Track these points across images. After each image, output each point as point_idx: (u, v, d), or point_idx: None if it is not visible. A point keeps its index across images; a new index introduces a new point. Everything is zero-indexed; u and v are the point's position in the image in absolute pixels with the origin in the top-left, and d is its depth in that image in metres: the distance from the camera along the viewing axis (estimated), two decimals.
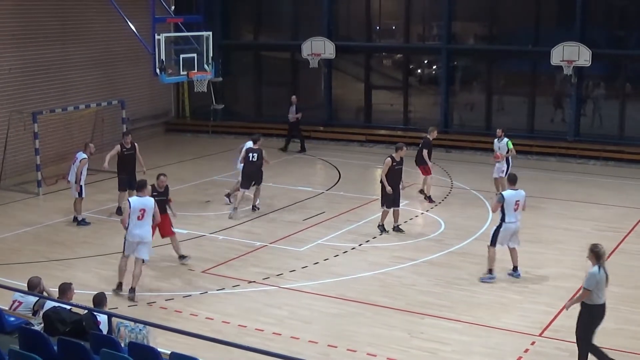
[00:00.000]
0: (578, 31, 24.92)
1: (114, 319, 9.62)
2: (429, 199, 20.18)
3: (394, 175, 17.47)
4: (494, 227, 14.86)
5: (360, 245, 16.73)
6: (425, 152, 20.28)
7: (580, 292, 11.05)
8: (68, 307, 10.13)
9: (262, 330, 12.56)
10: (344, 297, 13.99)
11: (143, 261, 14.17)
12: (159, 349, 8.58)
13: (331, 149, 26.81)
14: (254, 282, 14.71)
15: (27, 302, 11.02)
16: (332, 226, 18.15)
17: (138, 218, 13.93)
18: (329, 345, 12.04)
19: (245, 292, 14.27)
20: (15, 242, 17.18)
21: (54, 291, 11.47)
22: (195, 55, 21.47)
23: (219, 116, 30.11)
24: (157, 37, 20.20)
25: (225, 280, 14.75)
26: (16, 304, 11.11)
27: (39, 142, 21.32)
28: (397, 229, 17.64)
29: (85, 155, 18.36)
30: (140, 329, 9.47)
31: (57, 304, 10.15)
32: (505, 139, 19.90)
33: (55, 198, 20.84)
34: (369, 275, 15.03)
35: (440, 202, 20.23)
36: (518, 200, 14.67)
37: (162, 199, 15.22)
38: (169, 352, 8.48)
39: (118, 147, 18.99)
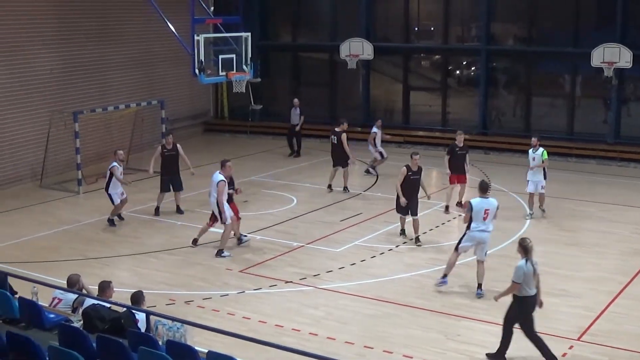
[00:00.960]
0: (619, 32, 24.63)
1: (152, 317, 9.69)
2: (446, 208, 19.18)
3: (410, 185, 16.76)
4: (462, 234, 14.34)
5: (397, 246, 16.70)
6: (446, 158, 19.44)
7: (510, 285, 11.32)
8: (107, 305, 10.25)
9: (299, 331, 12.59)
10: (380, 298, 13.97)
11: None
12: (196, 348, 8.64)
13: (368, 150, 26.76)
14: (291, 282, 14.75)
15: (66, 300, 11.15)
16: (369, 227, 18.13)
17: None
18: (365, 346, 12.03)
19: (282, 292, 14.31)
20: (55, 240, 17.40)
21: (93, 289, 11.61)
22: (234, 56, 21.55)
23: (257, 117, 30.21)
24: (196, 37, 20.31)
25: (263, 280, 14.81)
26: (56, 300, 11.25)
27: (79, 141, 21.57)
28: (416, 239, 16.81)
29: (114, 163, 18.31)
30: (178, 328, 9.53)
31: (96, 302, 10.27)
32: (541, 149, 18.75)
33: (95, 197, 21.06)
34: (406, 277, 14.99)
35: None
36: (487, 209, 13.95)
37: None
38: (206, 351, 8.53)
39: (159, 149, 19.19)
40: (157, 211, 19.05)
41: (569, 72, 26.91)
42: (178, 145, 19.25)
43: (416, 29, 29.51)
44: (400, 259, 15.96)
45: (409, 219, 17.05)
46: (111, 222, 18.40)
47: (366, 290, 14.32)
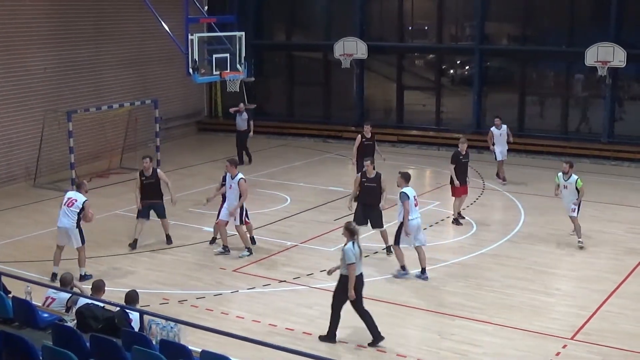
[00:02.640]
0: (613, 31, 24.67)
1: (146, 317, 9.68)
2: (455, 221, 18.28)
3: (366, 192, 15.76)
4: (398, 227, 14.75)
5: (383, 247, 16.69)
6: (452, 168, 18.28)
7: (347, 269, 11.73)
8: (101, 304, 10.23)
9: (293, 330, 12.58)
10: (374, 297, 13.94)
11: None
12: (189, 347, 8.63)
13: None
14: (285, 281, 14.74)
15: (60, 299, 11.14)
16: (362, 227, 18.07)
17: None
18: (358, 346, 12.03)
19: (276, 292, 14.30)
20: (49, 240, 17.32)
21: (86, 288, 11.60)
22: (227, 55, 21.55)
23: (251, 116, 30.17)
24: (190, 37, 20.30)
25: (256, 280, 14.80)
26: (49, 300, 11.24)
27: (73, 140, 21.53)
28: (387, 249, 16.06)
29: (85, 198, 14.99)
30: (171, 327, 9.52)
31: (90, 301, 10.25)
32: (574, 177, 16.61)
33: (88, 196, 20.98)
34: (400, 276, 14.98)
35: (472, 203, 20.12)
36: (415, 196, 14.76)
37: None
38: (200, 350, 8.52)
39: (138, 176, 16.82)
40: (134, 244, 16.54)
41: (563, 71, 26.92)
42: (158, 170, 17.00)
43: (410, 28, 29.53)
44: (394, 258, 15.92)
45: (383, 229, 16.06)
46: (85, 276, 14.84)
47: None
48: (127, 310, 9.98)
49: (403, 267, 14.94)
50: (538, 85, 27.98)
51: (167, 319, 9.80)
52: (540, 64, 27.89)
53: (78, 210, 14.58)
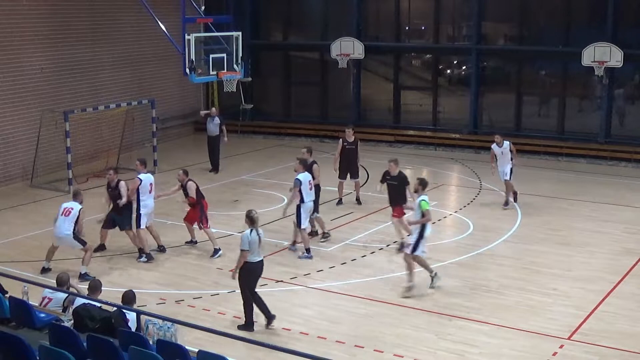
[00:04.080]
0: (609, 32, 24.69)
1: (142, 317, 9.68)
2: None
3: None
4: (295, 211, 15.92)
5: (387, 245, 16.70)
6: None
7: (240, 254, 12.31)
8: (97, 304, 10.22)
9: (289, 330, 12.58)
10: (371, 297, 13.97)
11: None
12: (186, 347, 8.62)
13: (360, 149, 26.74)
14: (282, 281, 14.74)
15: (56, 299, 11.14)
16: (359, 227, 18.14)
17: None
18: (355, 346, 12.03)
19: (273, 292, 14.29)
20: (46, 240, 17.29)
21: (83, 288, 11.59)
22: (224, 55, 21.55)
23: (247, 116, 30.21)
24: (187, 37, 20.29)
25: None
26: (46, 300, 11.24)
27: (70, 140, 21.52)
28: (322, 235, 17.15)
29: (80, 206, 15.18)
30: (168, 327, 9.52)
31: (86, 301, 10.25)
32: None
33: (85, 196, 20.87)
34: (397, 276, 14.98)
35: (469, 204, 20.14)
36: (310, 181, 16.02)
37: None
38: (197, 350, 8.51)
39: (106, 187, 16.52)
40: (102, 247, 16.51)
41: (560, 71, 26.93)
42: (121, 182, 16.15)
43: (407, 28, 29.53)
44: (391, 258, 15.96)
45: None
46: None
47: (357, 290, 14.32)
48: (124, 310, 9.97)
49: (308, 250, 16.00)
50: (535, 85, 28.00)
51: (164, 319, 9.80)
52: (537, 64, 27.90)
53: (75, 219, 14.69)
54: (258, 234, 12.34)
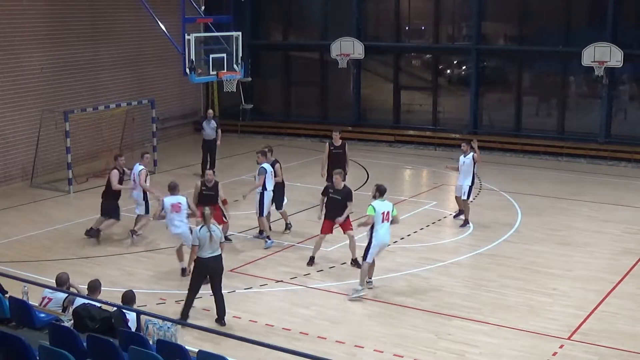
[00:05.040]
0: (609, 32, 24.68)
1: (142, 317, 9.68)
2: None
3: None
4: (258, 199, 16.68)
5: (387, 245, 16.67)
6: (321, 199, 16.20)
7: (191, 249, 12.76)
8: (97, 304, 10.22)
9: (289, 330, 12.58)
10: (371, 297, 13.96)
11: None
12: (186, 347, 8.62)
13: (359, 149, 26.75)
14: (282, 281, 14.74)
15: (56, 299, 11.14)
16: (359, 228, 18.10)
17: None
18: (355, 346, 12.03)
19: (273, 292, 14.30)
20: (46, 240, 17.35)
21: (83, 288, 11.59)
22: (224, 55, 21.55)
23: (247, 116, 30.22)
24: (187, 37, 20.29)
25: (253, 280, 14.80)
26: (46, 300, 11.23)
27: (70, 140, 21.52)
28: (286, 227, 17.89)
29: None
30: (168, 327, 9.52)
31: (86, 301, 10.24)
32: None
33: (85, 196, 21.02)
34: (397, 276, 15.00)
35: (469, 203, 20.11)
36: (272, 172, 16.69)
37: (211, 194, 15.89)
38: (197, 350, 8.51)
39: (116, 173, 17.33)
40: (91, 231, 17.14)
41: (560, 71, 26.93)
42: (112, 172, 17.28)
43: (407, 28, 29.53)
44: (391, 259, 15.95)
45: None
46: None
47: None
48: (124, 310, 9.97)
49: (269, 237, 16.70)
50: (535, 85, 28.00)
51: (164, 319, 9.80)
52: (537, 64, 27.89)
53: (186, 213, 14.91)
54: (209, 231, 12.47)
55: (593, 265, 15.66)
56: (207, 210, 12.81)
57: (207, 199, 15.48)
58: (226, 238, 15.70)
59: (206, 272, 12.78)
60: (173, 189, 14.98)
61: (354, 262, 15.35)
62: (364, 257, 13.97)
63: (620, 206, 19.96)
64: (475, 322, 12.90)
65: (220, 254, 12.74)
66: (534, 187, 21.65)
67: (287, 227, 17.88)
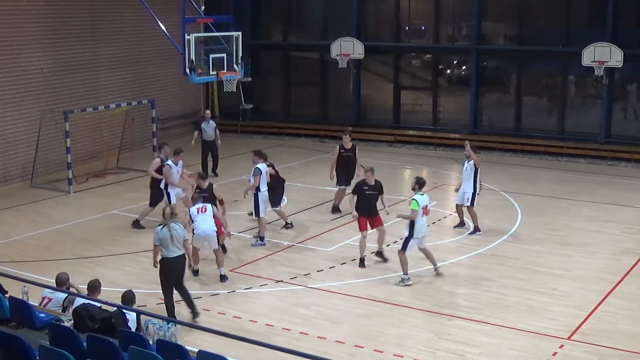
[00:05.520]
0: (609, 31, 24.67)
1: (142, 317, 9.68)
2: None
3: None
4: (253, 200, 16.73)
5: (388, 245, 16.67)
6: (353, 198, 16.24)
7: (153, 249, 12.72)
8: (97, 304, 10.23)
9: (290, 330, 12.58)
10: (371, 297, 13.97)
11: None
12: (186, 347, 8.63)
13: (359, 149, 26.69)
14: (282, 281, 14.74)
15: (56, 299, 11.14)
16: None
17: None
18: (355, 346, 12.03)
19: (273, 292, 14.30)
20: (46, 240, 17.36)
21: (83, 288, 11.59)
22: (224, 55, 21.55)
23: (247, 116, 30.22)
24: (187, 37, 20.29)
25: (253, 280, 14.80)
26: (46, 300, 11.24)
27: (70, 140, 21.52)
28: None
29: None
30: (168, 327, 9.53)
31: (86, 301, 10.25)
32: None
33: (85, 196, 21.03)
34: (397, 276, 14.98)
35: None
36: (267, 171, 16.89)
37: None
38: (197, 350, 8.52)
39: (158, 161, 18.07)
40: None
41: (560, 71, 26.92)
42: (154, 160, 18.35)
43: (407, 28, 29.52)
44: (391, 258, 15.94)
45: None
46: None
47: (357, 290, 14.33)
48: (124, 310, 9.98)
49: (262, 238, 16.79)
50: (535, 85, 27.99)
51: (163, 319, 9.81)
52: (537, 64, 27.89)
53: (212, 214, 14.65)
54: (169, 231, 12.42)
55: (593, 265, 15.66)
56: (167, 210, 12.76)
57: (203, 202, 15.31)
58: (223, 247, 15.72)
59: (172, 271, 12.64)
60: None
61: (379, 254, 15.78)
62: (403, 248, 14.45)
63: (620, 206, 19.96)
64: (475, 322, 12.90)
65: (184, 254, 12.68)
66: (534, 187, 21.65)
67: (286, 225, 17.92)
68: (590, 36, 24.67)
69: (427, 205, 14.52)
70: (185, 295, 12.85)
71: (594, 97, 26.36)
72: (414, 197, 14.42)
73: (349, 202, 16.58)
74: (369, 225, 15.66)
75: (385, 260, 15.63)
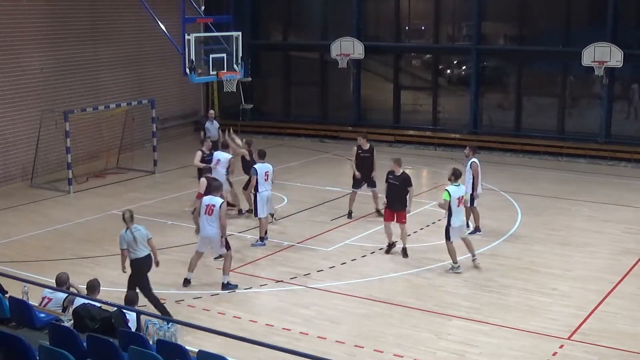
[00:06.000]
0: (609, 31, 24.67)
1: (142, 317, 9.68)
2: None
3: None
4: (253, 200, 16.93)
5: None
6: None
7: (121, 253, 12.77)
8: (97, 304, 10.23)
9: (289, 330, 12.58)
10: (371, 297, 13.97)
11: None
12: (186, 347, 8.62)
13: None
14: (282, 281, 14.74)
15: (56, 299, 11.14)
16: (359, 226, 18.13)
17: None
18: (355, 346, 12.03)
19: (273, 292, 14.30)
20: (46, 240, 17.36)
21: (83, 288, 11.58)
22: (224, 55, 21.56)
23: (247, 116, 30.21)
24: (187, 37, 20.30)
25: (253, 280, 14.80)
26: (46, 300, 11.23)
27: (70, 140, 21.52)
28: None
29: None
30: (168, 327, 9.52)
31: (86, 301, 10.25)
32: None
33: (85, 196, 21.03)
34: (397, 276, 15.00)
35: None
36: (267, 172, 16.77)
37: None
38: (197, 350, 8.51)
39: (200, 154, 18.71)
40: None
41: (560, 71, 26.91)
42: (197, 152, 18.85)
43: (407, 28, 29.52)
44: (391, 258, 15.97)
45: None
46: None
47: (357, 290, 14.32)
48: (124, 310, 9.97)
49: (262, 239, 16.82)
50: (535, 85, 27.98)
51: (163, 319, 9.80)
52: (537, 64, 27.89)
53: (219, 217, 14.07)
54: (132, 234, 12.54)
55: (593, 265, 15.66)
56: (127, 213, 12.78)
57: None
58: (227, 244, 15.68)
59: (143, 270, 12.78)
60: (215, 189, 14.50)
61: (404, 251, 16.07)
62: (447, 238, 14.97)
63: (620, 206, 19.96)
64: (475, 322, 12.90)
65: (149, 253, 12.80)
66: (534, 187, 21.64)
67: (241, 212, 18.69)
68: (590, 36, 24.66)
69: (462, 196, 15.03)
70: (155, 300, 12.88)
71: (594, 97, 26.35)
72: (447, 188, 14.95)
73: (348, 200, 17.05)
74: (395, 217, 16.06)
75: (406, 256, 15.97)
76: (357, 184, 18.85)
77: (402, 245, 16.09)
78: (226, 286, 14.30)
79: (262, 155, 17.13)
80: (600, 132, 25.49)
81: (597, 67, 24.14)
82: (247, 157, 18.78)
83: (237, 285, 14.38)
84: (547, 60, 27.33)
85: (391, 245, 16.21)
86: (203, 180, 16.45)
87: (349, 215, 18.80)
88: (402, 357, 11.66)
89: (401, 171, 16.22)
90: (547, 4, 26.97)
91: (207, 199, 14.34)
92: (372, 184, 18.87)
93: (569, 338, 12.31)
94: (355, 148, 18.96)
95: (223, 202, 14.21)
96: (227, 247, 14.38)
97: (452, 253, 15.04)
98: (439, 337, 12.35)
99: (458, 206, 14.94)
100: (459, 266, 15.04)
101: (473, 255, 15.38)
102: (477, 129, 27.41)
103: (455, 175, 15.07)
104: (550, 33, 27.04)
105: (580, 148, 25.42)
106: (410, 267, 15.45)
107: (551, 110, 27.01)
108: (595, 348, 11.88)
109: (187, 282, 14.51)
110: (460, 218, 15.11)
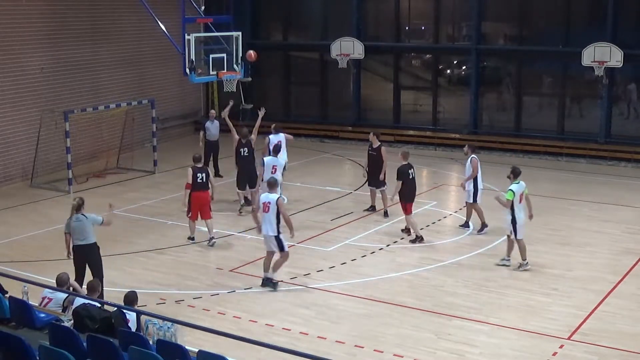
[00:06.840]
0: (609, 31, 24.66)
1: (142, 317, 9.68)
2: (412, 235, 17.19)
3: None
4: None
5: (388, 245, 16.70)
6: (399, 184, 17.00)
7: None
8: (97, 304, 10.23)
9: (290, 330, 12.58)
10: (371, 297, 13.97)
11: None
12: (186, 347, 8.62)
13: (359, 149, 26.63)
14: (282, 281, 14.73)
15: (56, 299, 11.14)
16: (360, 226, 18.13)
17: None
18: (356, 346, 12.03)
19: (273, 292, 14.29)
20: (46, 240, 17.35)
21: (83, 288, 11.58)
22: (224, 55, 21.56)
23: (247, 116, 30.18)
24: (187, 37, 20.30)
25: (253, 280, 14.79)
26: (46, 300, 11.23)
27: (70, 140, 21.52)
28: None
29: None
30: (168, 327, 9.52)
31: (86, 301, 10.24)
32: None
33: (85, 196, 20.84)
34: (397, 276, 15.00)
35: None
36: (273, 165, 18.01)
37: None
38: (197, 350, 8.51)
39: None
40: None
41: (560, 71, 26.91)
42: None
43: (407, 28, 29.51)
44: (392, 258, 15.97)
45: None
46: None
47: (357, 290, 14.32)
48: (124, 310, 9.97)
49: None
50: (535, 85, 27.97)
51: (163, 319, 9.79)
52: (537, 64, 27.88)
53: (276, 214, 13.98)
54: (76, 220, 13.04)
55: (593, 265, 15.65)
56: (74, 201, 13.29)
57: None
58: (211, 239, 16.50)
59: (82, 259, 13.15)
60: (271, 186, 14.39)
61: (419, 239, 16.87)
62: (515, 235, 15.24)
63: (620, 206, 19.95)
64: (475, 322, 12.90)
65: (94, 242, 13.24)
66: (534, 187, 21.49)
67: (242, 206, 18.97)
68: (590, 36, 24.65)
69: (522, 193, 15.41)
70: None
71: (594, 97, 26.33)
72: (510, 188, 15.24)
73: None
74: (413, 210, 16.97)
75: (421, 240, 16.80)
76: (369, 181, 19.09)
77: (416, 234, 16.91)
78: (266, 282, 14.35)
79: (277, 151, 18.84)
80: (600, 132, 25.48)
81: (597, 67, 24.13)
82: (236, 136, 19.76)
83: (277, 284, 14.35)
84: (547, 60, 27.33)
85: (420, 238, 16.87)
86: (189, 170, 16.59)
87: (371, 209, 19.18)
88: (402, 357, 11.66)
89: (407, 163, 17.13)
90: (547, 4, 26.96)
91: (263, 197, 14.28)
92: (377, 184, 18.81)
93: (569, 338, 12.31)
94: (368, 146, 19.24)
95: (279, 198, 14.19)
96: (282, 248, 14.24)
97: (522, 250, 15.27)
98: (439, 337, 12.35)
99: (520, 202, 15.33)
100: (527, 263, 15.24)
101: (507, 257, 15.63)
102: (477, 129, 27.40)
103: (515, 174, 15.44)
104: (550, 33, 27.02)
105: (580, 148, 25.41)
106: (410, 267, 15.45)
107: (551, 110, 27.01)
108: (595, 348, 11.88)
109: (268, 282, 14.33)
110: (522, 215, 15.40)
